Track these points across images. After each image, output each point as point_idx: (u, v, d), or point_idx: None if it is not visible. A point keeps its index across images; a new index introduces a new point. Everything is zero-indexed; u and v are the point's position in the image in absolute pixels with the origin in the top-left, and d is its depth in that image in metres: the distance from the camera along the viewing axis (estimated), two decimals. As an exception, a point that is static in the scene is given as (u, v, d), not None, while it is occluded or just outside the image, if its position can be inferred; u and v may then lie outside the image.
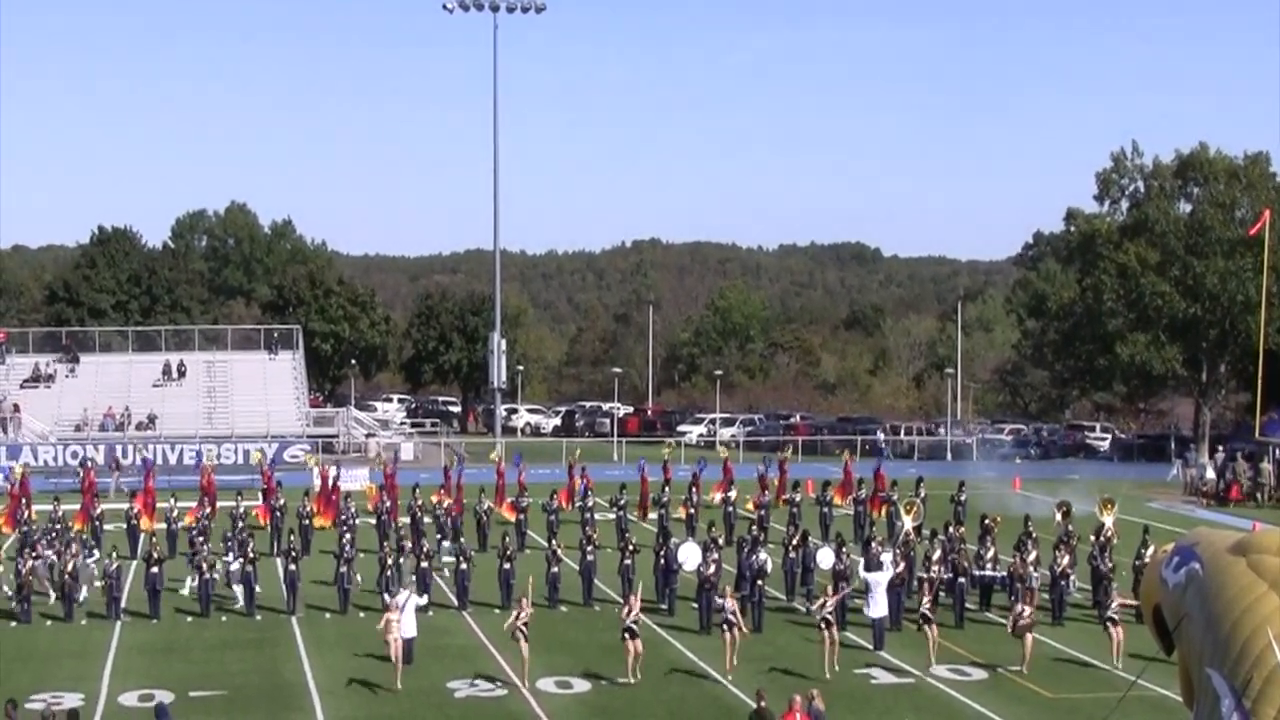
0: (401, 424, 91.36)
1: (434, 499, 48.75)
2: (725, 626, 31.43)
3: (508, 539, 39.86)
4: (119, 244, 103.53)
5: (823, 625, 31.59)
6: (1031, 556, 37.68)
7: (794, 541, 39.48)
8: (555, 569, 38.42)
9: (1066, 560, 37.74)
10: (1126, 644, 31.78)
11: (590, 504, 47.92)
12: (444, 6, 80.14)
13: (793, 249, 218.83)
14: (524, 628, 30.42)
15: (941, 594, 36.90)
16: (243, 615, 37.33)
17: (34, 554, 38.34)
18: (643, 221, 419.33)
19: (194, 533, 41.42)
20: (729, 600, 31.89)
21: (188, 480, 56.77)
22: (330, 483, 51.17)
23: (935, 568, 37.29)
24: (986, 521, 41.20)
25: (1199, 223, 77.07)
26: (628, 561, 38.61)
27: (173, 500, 47.62)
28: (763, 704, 25.13)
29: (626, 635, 31.02)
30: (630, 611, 31.18)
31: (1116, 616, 32.32)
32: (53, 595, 38.16)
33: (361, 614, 37.01)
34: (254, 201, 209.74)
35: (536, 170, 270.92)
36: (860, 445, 76.45)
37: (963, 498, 49.15)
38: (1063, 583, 37.44)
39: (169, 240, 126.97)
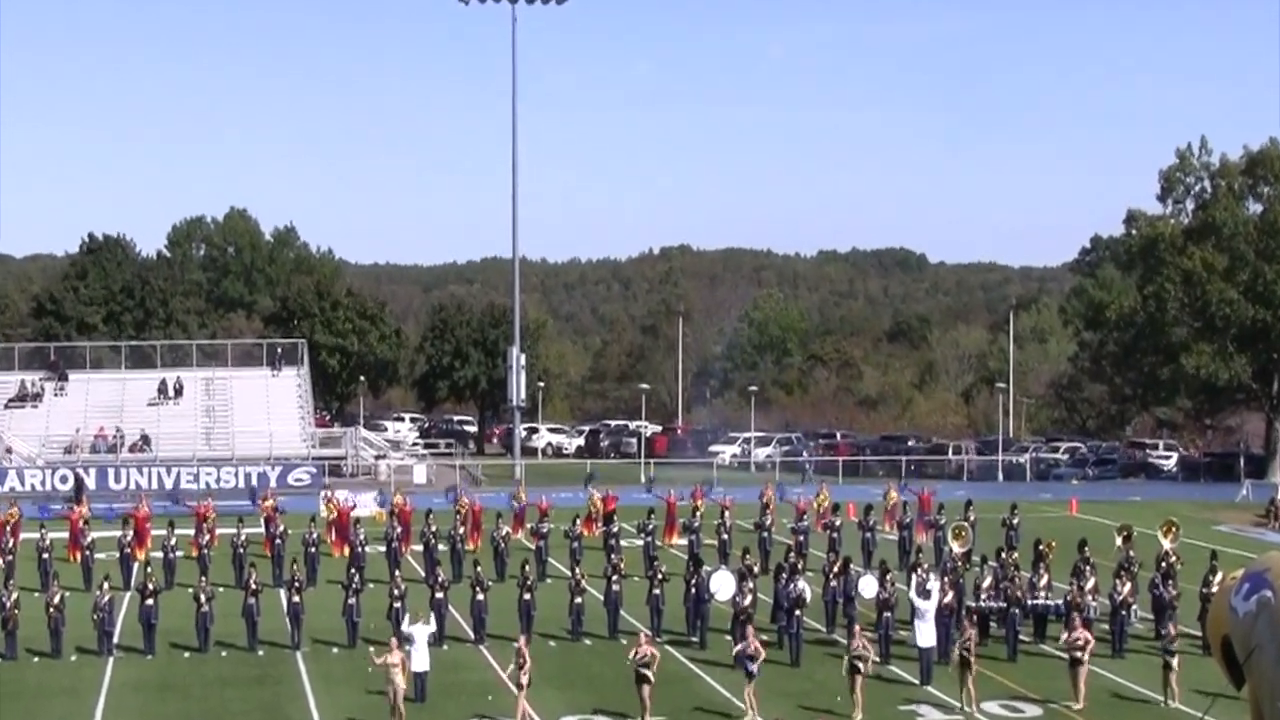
0: (414, 445, 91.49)
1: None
2: (746, 676, 31.16)
3: (528, 567, 39.80)
4: (111, 253, 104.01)
5: (849, 670, 31.29)
6: (1090, 584, 37.50)
7: (835, 569, 39.36)
8: (579, 599, 38.41)
9: (1128, 588, 37.50)
10: (1186, 678, 31.54)
11: (615, 529, 47.80)
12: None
13: (832, 255, 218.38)
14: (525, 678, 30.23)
15: (993, 624, 36.74)
16: (244, 650, 37.36)
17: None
18: (672, 227, 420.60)
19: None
20: (751, 644, 31.54)
21: (184, 507, 56.68)
22: (338, 511, 51.47)
23: (985, 596, 37.15)
24: (1041, 547, 40.94)
25: (1269, 224, 76.90)
26: (656, 591, 38.58)
27: (169, 528, 47.62)
28: None
29: (637, 678, 30.72)
30: (639, 652, 30.66)
31: (1174, 648, 32.08)
32: None
33: (371, 648, 37.00)
34: (255, 207, 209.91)
35: (558, 173, 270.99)
36: (906, 466, 76.40)
37: (1015, 521, 48.91)
38: (1123, 612, 37.20)
39: (164, 249, 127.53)
